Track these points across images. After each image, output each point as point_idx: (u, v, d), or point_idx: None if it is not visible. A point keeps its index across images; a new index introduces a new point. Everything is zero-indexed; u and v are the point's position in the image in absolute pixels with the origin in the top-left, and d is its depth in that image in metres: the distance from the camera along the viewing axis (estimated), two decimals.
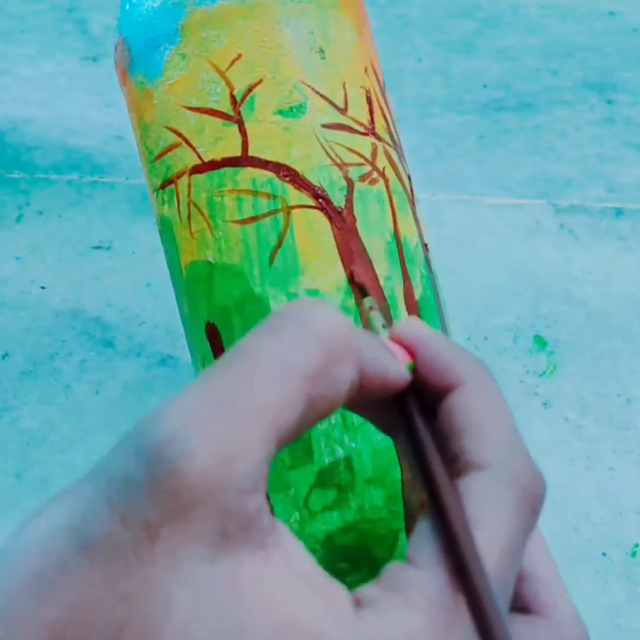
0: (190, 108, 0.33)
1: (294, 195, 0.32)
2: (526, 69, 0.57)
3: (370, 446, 0.32)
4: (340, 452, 0.31)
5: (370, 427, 0.32)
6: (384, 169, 0.35)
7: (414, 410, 0.22)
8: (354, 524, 0.32)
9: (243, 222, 0.32)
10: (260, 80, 0.33)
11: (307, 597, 0.17)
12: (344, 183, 0.33)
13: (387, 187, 0.35)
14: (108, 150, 0.54)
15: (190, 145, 0.34)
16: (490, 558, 0.19)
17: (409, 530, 0.30)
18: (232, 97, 0.33)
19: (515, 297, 0.49)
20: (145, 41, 0.34)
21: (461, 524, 0.19)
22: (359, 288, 0.32)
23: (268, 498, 0.33)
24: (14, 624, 0.17)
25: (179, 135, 0.34)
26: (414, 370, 0.23)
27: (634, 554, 0.41)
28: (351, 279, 0.32)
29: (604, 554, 0.41)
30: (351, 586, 0.32)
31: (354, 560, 0.32)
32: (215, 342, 0.33)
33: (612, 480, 0.43)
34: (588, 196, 0.53)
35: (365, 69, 0.35)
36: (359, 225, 0.33)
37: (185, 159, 0.34)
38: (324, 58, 0.34)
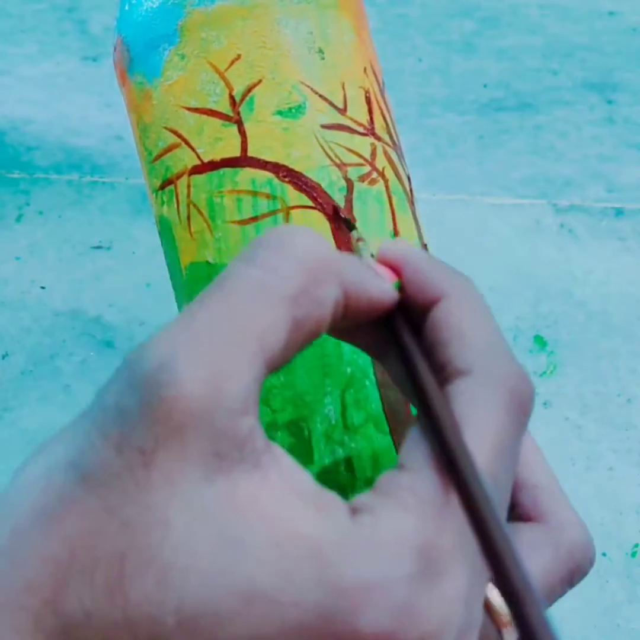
0: (189, 109, 0.33)
1: (294, 196, 0.32)
2: (526, 69, 0.57)
3: (370, 447, 0.32)
4: (340, 453, 0.31)
5: (370, 428, 0.31)
6: (383, 169, 0.35)
7: (403, 327, 0.22)
8: None
9: (243, 222, 0.32)
10: (260, 81, 0.33)
11: (304, 509, 0.18)
12: (343, 183, 0.33)
13: (386, 187, 0.35)
14: (108, 150, 0.54)
15: (190, 146, 0.34)
16: (481, 455, 0.19)
17: (397, 446, 0.30)
18: (231, 97, 0.33)
19: (515, 297, 0.49)
20: (144, 41, 0.34)
21: (450, 425, 0.19)
22: (345, 222, 0.32)
23: None
24: (21, 559, 0.17)
25: (179, 136, 0.34)
26: (401, 288, 0.23)
27: (634, 554, 0.41)
28: (336, 213, 0.32)
29: (604, 554, 0.41)
30: None
31: None
32: None
33: (612, 480, 0.43)
34: (588, 196, 0.53)
35: (365, 70, 0.35)
36: (358, 225, 0.33)
37: (185, 159, 0.34)
38: (323, 58, 0.34)
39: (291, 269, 0.20)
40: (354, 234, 0.31)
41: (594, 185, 0.53)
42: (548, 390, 0.46)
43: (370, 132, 0.35)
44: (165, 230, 0.35)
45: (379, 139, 0.35)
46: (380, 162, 0.35)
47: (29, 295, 0.49)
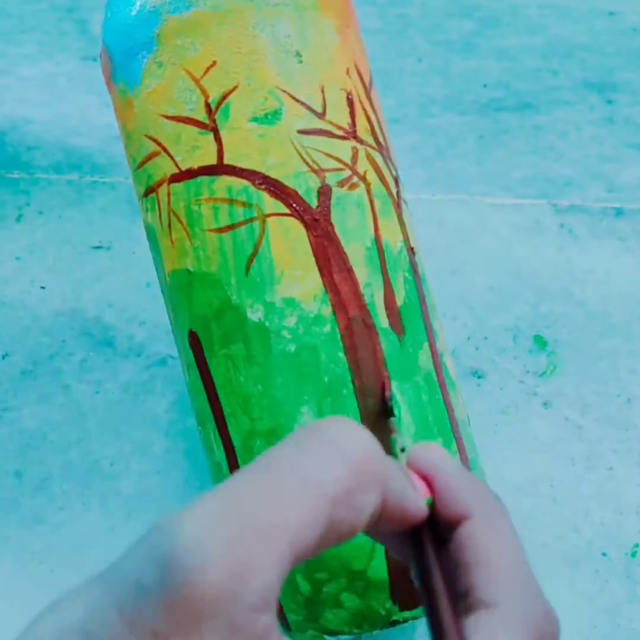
0: (167, 117, 0.33)
1: (270, 203, 0.32)
2: (526, 69, 0.57)
3: None
4: None
5: None
6: (365, 172, 0.34)
7: (428, 547, 0.22)
8: None
9: (219, 231, 0.32)
10: (235, 87, 0.32)
11: None
12: (322, 187, 0.33)
13: (368, 191, 0.34)
14: (108, 150, 0.54)
15: (169, 154, 0.33)
16: None
17: None
18: (207, 105, 0.33)
19: (515, 297, 0.49)
20: (124, 50, 0.34)
21: None
22: (386, 407, 0.32)
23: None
24: None
25: (158, 143, 0.34)
26: (431, 504, 0.22)
27: (634, 554, 0.41)
28: (382, 395, 0.32)
29: (604, 554, 0.41)
30: (328, 596, 0.32)
31: (331, 570, 0.32)
32: (197, 350, 0.33)
33: (612, 480, 0.43)
34: (588, 196, 0.53)
35: (347, 71, 0.35)
36: (337, 231, 0.33)
37: (165, 167, 0.33)
38: (301, 62, 0.34)
39: (339, 467, 0.19)
40: (390, 422, 0.30)
41: (594, 186, 0.53)
42: (548, 390, 0.46)
43: (352, 135, 0.34)
44: (150, 236, 0.35)
45: (361, 141, 0.35)
46: (362, 165, 0.34)
47: (29, 295, 0.49)
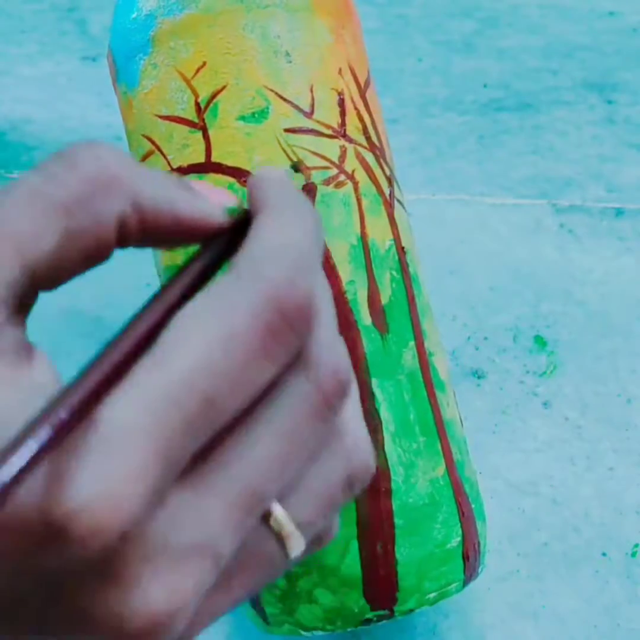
0: (160, 116, 0.34)
1: None
2: (526, 69, 0.57)
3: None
4: None
5: None
6: (353, 171, 0.35)
7: (201, 255, 0.20)
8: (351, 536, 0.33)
9: None
10: (224, 87, 0.33)
11: None
12: (307, 186, 0.33)
13: (355, 189, 0.35)
14: None
15: (162, 153, 0.34)
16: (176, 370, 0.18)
17: None
18: (197, 104, 0.33)
19: (515, 297, 0.49)
20: (125, 52, 0.35)
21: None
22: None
23: None
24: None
25: (153, 143, 0.34)
26: (237, 213, 0.21)
27: (634, 554, 0.41)
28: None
29: (604, 554, 0.41)
30: (302, 590, 0.33)
31: (305, 564, 0.33)
32: None
33: (612, 480, 0.43)
34: (588, 196, 0.53)
35: (340, 70, 0.35)
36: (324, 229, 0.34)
37: (158, 166, 0.34)
38: (290, 62, 0.34)
39: (70, 178, 0.19)
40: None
41: (594, 185, 0.53)
42: (548, 390, 0.46)
43: (341, 134, 0.35)
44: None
45: (351, 140, 0.35)
46: (351, 164, 0.35)
47: None
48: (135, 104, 0.35)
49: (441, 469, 0.35)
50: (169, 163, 0.34)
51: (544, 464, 0.43)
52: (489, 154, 0.54)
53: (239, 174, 0.33)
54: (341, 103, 0.35)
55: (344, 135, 0.35)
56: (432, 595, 0.34)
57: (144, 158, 0.35)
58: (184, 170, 0.34)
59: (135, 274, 0.50)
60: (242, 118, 0.33)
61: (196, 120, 0.33)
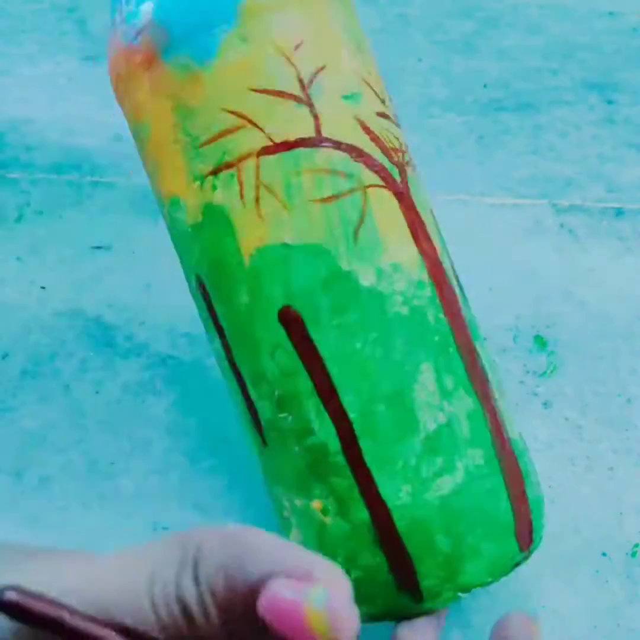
0: (256, 90, 0.33)
1: (367, 175, 0.34)
2: (526, 69, 0.57)
3: (464, 408, 0.33)
4: (441, 418, 0.33)
5: (461, 391, 0.33)
6: (411, 157, 0.37)
7: None
8: (465, 484, 0.33)
9: (324, 200, 0.33)
10: (324, 67, 0.34)
11: None
12: (398, 166, 0.35)
13: (415, 173, 0.37)
14: (108, 150, 0.54)
15: (257, 127, 0.33)
16: None
17: None
18: (300, 80, 0.33)
19: (515, 297, 0.49)
20: (192, 23, 0.34)
21: None
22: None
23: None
24: None
25: (242, 117, 0.33)
26: None
27: (634, 554, 0.41)
28: None
29: (604, 554, 0.41)
30: (469, 547, 0.33)
31: (470, 521, 0.33)
32: (295, 326, 0.33)
33: (612, 480, 0.43)
34: (588, 196, 0.53)
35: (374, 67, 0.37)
36: (416, 204, 0.35)
37: (251, 141, 0.33)
38: (362, 52, 0.36)
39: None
40: None
41: (594, 186, 0.53)
42: (548, 390, 0.46)
43: (397, 123, 0.37)
44: (215, 217, 0.34)
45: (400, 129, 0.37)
46: (408, 154, 0.37)
47: (28, 296, 0.49)
48: (208, 77, 0.34)
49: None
50: (269, 137, 0.33)
51: (544, 464, 0.43)
52: (489, 154, 0.54)
53: (351, 150, 0.33)
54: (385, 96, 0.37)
55: (399, 125, 0.37)
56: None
57: (225, 133, 0.34)
58: (290, 145, 0.33)
59: (135, 274, 0.50)
60: (345, 97, 0.34)
61: (301, 95, 0.33)
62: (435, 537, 0.33)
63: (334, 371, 0.33)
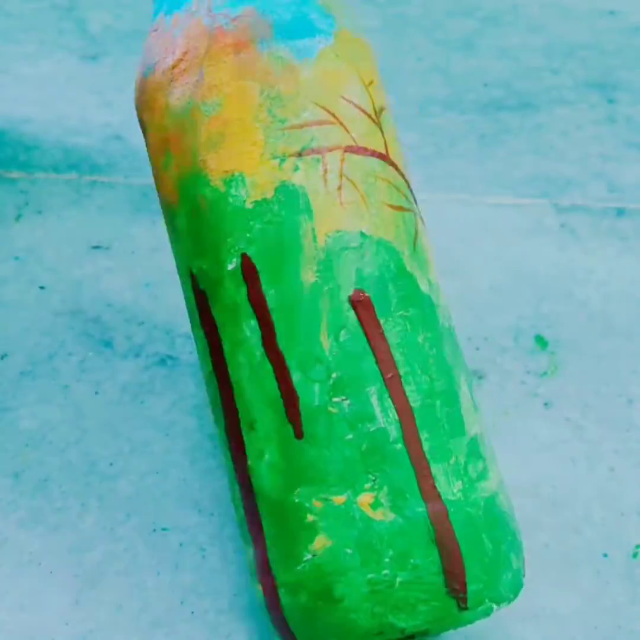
0: (345, 99, 0.36)
1: (414, 205, 0.38)
2: (527, 68, 0.57)
3: (484, 427, 0.36)
4: (477, 428, 0.35)
5: (479, 410, 0.36)
6: None
7: None
8: (498, 494, 0.34)
9: (395, 208, 0.36)
10: (384, 108, 0.38)
11: None
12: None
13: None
14: (107, 150, 0.54)
15: (345, 128, 0.36)
16: None
17: None
18: (374, 107, 0.37)
19: (515, 297, 0.49)
20: (297, 27, 0.37)
21: None
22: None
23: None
24: None
25: (333, 115, 0.36)
26: None
27: (635, 555, 0.41)
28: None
29: (605, 555, 0.41)
30: (505, 556, 0.34)
31: (503, 530, 0.34)
32: (365, 308, 0.34)
33: (613, 481, 0.43)
34: (589, 196, 0.53)
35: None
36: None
37: (339, 137, 0.36)
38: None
39: None
40: None
41: (595, 185, 0.53)
42: (549, 390, 0.46)
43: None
44: (289, 196, 0.35)
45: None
46: None
47: (28, 295, 0.49)
48: (305, 72, 0.36)
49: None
50: (353, 138, 0.36)
51: (545, 465, 0.43)
52: (490, 154, 0.54)
53: (406, 180, 0.37)
54: None
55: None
56: None
57: (316, 123, 0.36)
58: (371, 152, 0.36)
59: (134, 274, 0.50)
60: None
61: (375, 119, 0.37)
62: (482, 537, 0.33)
63: (398, 359, 0.34)
